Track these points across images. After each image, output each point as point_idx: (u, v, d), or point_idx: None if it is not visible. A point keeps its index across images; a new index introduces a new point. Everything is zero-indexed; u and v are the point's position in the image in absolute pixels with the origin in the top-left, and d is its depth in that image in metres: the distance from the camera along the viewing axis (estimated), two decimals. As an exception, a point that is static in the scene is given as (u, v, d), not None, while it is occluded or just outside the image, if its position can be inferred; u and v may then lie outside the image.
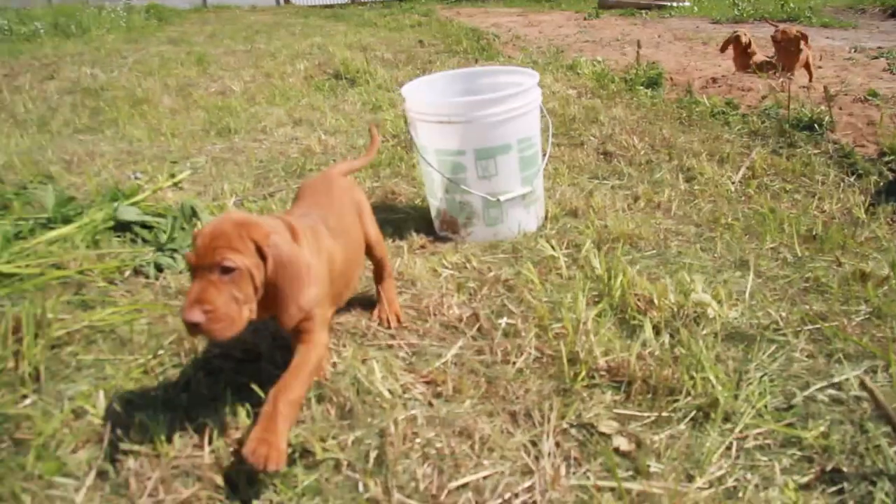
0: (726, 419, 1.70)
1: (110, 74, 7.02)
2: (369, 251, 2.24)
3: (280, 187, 3.44)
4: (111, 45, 9.31)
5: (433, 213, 2.92)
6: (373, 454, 1.58)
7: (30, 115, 5.73)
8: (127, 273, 2.54)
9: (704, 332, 2.04)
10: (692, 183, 3.30)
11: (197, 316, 1.50)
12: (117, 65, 7.61)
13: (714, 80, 5.45)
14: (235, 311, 1.56)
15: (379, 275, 2.34)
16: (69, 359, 2.03)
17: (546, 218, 2.95)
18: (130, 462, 1.62)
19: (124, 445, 1.66)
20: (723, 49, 5.91)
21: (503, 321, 2.15)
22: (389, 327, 2.17)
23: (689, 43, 7.74)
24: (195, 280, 1.56)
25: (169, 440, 1.67)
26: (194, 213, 2.91)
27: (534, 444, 1.63)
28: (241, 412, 1.74)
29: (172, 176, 3.31)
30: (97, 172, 3.91)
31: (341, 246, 1.95)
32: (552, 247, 2.61)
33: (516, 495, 1.49)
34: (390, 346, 2.04)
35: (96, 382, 1.92)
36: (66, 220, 2.89)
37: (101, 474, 1.60)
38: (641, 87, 5.04)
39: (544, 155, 2.92)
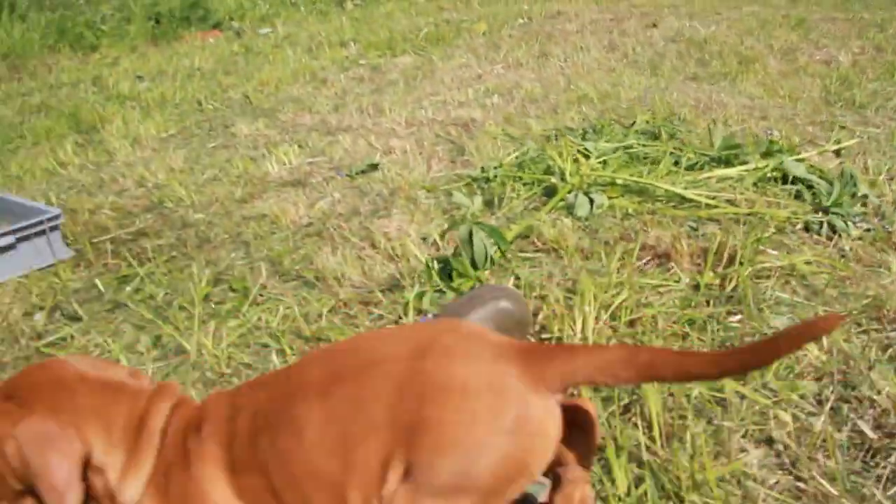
0: None
1: (709, 29, 7.24)
2: None
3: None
4: (701, 1, 9.56)
5: None
6: None
7: (638, 58, 6.23)
8: (798, 225, 2.63)
9: None
10: None
11: None
12: (713, 20, 7.80)
13: None
14: None
15: None
16: (767, 293, 2.20)
17: None
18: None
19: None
20: None
21: None
22: None
23: None
24: None
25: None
26: (854, 183, 2.87)
27: None
28: None
29: (838, 142, 3.31)
30: (724, 121, 4.10)
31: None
32: None
33: None
34: None
35: (791, 320, 2.05)
36: (727, 162, 3.10)
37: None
38: None
39: None
